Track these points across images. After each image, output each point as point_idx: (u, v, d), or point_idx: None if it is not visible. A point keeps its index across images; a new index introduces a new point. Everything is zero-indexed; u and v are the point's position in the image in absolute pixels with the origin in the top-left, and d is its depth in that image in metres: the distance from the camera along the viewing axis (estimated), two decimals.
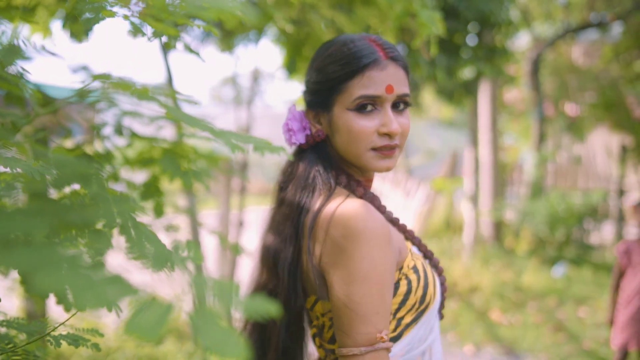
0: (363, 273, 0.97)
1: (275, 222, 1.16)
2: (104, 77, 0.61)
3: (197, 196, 4.21)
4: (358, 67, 1.06)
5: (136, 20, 1.01)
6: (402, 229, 1.17)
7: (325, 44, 1.16)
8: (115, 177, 1.68)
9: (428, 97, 9.88)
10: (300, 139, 1.16)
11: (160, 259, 0.49)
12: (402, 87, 1.08)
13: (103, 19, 1.00)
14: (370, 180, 1.19)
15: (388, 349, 0.97)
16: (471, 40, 5.83)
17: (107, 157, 1.55)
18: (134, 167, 1.72)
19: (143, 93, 0.57)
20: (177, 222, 2.08)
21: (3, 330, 0.94)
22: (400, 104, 1.09)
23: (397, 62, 1.08)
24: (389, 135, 1.06)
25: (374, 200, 1.12)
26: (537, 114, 8.41)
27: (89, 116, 1.73)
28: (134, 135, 1.57)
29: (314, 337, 1.16)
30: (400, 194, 5.40)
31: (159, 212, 1.61)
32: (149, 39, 1.36)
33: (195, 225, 4.05)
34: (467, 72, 6.21)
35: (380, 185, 6.18)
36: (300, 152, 1.18)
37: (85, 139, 1.70)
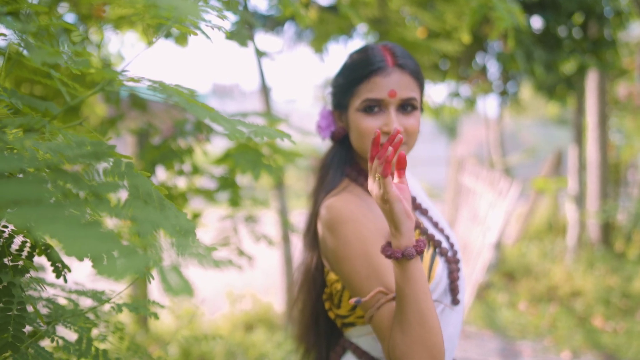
0: (342, 254, 1.13)
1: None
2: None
3: (288, 194, 4.36)
4: (365, 73, 1.21)
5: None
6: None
7: (352, 52, 1.32)
8: (197, 170, 1.82)
9: (527, 93, 9.47)
10: (327, 135, 1.34)
11: (175, 226, 0.58)
12: (406, 92, 1.21)
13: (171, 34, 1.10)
14: None
15: (393, 299, 1.05)
16: (575, 32, 5.54)
17: (188, 151, 1.69)
18: (215, 162, 1.86)
19: (163, 89, 0.66)
20: (264, 217, 2.18)
21: (80, 299, 1.08)
22: (407, 107, 1.23)
23: (403, 69, 1.22)
24: (389, 133, 1.19)
25: None
26: None
27: (174, 115, 1.89)
28: (211, 130, 1.70)
29: (325, 300, 1.32)
30: (492, 193, 5.24)
31: (234, 203, 1.73)
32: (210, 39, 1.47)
33: (285, 222, 4.19)
34: (570, 67, 5.91)
35: (473, 183, 6.03)
36: (332, 146, 1.37)
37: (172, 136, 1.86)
